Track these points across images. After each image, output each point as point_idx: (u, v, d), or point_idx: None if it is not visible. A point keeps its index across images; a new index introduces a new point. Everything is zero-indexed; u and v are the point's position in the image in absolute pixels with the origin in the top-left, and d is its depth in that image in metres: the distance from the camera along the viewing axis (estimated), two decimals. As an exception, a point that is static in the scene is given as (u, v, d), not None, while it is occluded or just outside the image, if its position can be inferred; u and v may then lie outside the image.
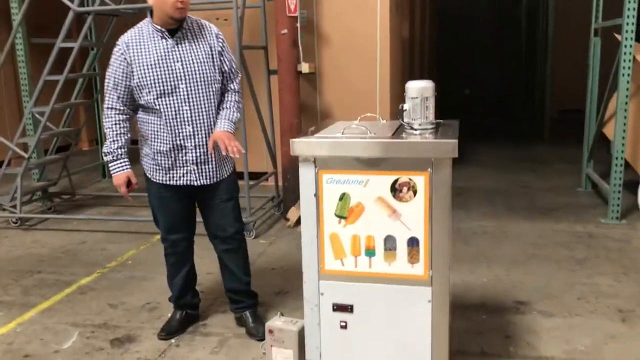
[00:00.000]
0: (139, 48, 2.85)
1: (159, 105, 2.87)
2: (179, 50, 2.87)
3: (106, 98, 2.91)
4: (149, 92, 2.85)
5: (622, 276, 3.90)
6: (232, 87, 3.05)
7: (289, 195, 5.20)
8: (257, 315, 3.26)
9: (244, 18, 4.80)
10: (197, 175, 2.98)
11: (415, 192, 2.35)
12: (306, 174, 2.44)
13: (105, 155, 2.96)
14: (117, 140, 2.92)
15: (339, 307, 2.51)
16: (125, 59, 2.84)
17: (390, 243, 2.42)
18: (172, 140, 2.90)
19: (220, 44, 2.98)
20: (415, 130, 2.50)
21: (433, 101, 2.53)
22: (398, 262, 2.42)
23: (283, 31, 5.08)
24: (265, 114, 5.29)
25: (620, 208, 4.97)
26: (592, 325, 3.25)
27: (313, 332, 2.57)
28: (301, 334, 2.85)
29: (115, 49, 2.88)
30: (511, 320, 3.34)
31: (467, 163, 7.45)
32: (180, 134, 2.90)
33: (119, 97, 2.89)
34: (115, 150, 2.93)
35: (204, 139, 2.93)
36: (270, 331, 2.88)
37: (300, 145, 2.41)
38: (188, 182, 2.99)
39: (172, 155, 2.93)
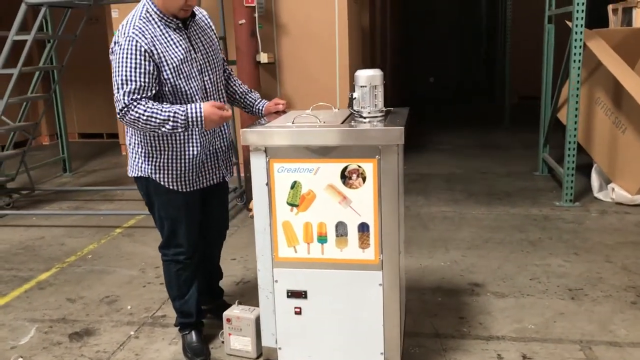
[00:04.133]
0: (164, 42, 2.53)
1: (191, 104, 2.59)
2: (194, 41, 2.65)
3: (126, 96, 2.46)
4: (183, 91, 2.58)
5: (573, 256, 4.02)
6: (229, 71, 3.00)
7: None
8: None
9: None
10: (224, 169, 2.88)
11: (364, 179, 2.40)
12: (257, 163, 2.46)
13: (174, 115, 2.48)
14: (167, 106, 2.51)
15: (293, 294, 2.55)
16: (151, 56, 2.48)
17: (341, 229, 2.46)
18: (204, 138, 2.69)
19: (214, 29, 2.83)
20: (365, 118, 2.54)
21: (382, 89, 2.58)
22: (349, 247, 2.47)
23: (241, 21, 5.08)
24: (226, 105, 5.28)
25: (573, 191, 5.11)
26: (543, 305, 3.35)
27: (268, 319, 2.61)
28: (258, 321, 2.89)
29: (130, 44, 2.45)
30: (465, 302, 3.43)
31: (429, 150, 7.57)
32: (207, 132, 2.70)
33: (143, 98, 2.49)
34: (177, 109, 2.50)
35: (225, 130, 2.83)
36: (228, 320, 2.91)
37: (251, 135, 2.43)
38: (220, 178, 2.85)
39: (204, 155, 2.73)
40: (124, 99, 2.48)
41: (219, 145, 2.84)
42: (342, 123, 2.50)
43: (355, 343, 2.55)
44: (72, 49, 6.11)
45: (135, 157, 2.74)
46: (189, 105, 2.54)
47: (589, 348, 2.89)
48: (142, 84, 2.48)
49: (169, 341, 3.10)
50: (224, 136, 2.86)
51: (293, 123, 2.49)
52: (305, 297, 2.54)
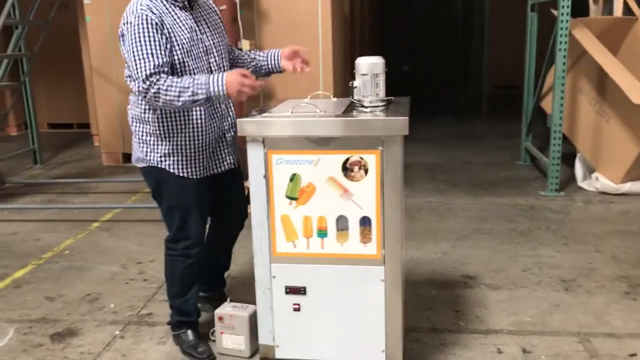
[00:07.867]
0: (172, 20, 2.43)
1: None
2: (199, 22, 2.56)
3: (147, 70, 2.33)
4: (190, 69, 2.48)
5: (563, 246, 4.00)
6: (236, 51, 2.88)
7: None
8: None
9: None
10: (234, 156, 2.76)
11: (366, 171, 2.31)
12: (255, 155, 2.35)
13: (194, 83, 2.33)
14: (187, 77, 2.39)
15: (291, 290, 2.45)
16: (162, 31, 2.38)
17: (342, 223, 2.36)
18: (213, 124, 2.60)
19: (219, 13, 2.73)
20: (366, 107, 2.45)
21: (383, 78, 2.48)
22: (350, 242, 2.38)
23: (222, 7, 4.89)
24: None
25: (558, 180, 5.11)
26: (537, 296, 3.32)
27: (265, 316, 2.51)
28: (252, 319, 2.79)
29: (142, 18, 2.35)
30: (460, 295, 3.37)
31: (409, 139, 7.47)
32: (216, 115, 2.62)
33: (164, 65, 2.38)
34: (200, 76, 2.38)
35: (233, 115, 2.71)
36: (220, 318, 2.80)
37: (248, 125, 2.31)
38: (231, 164, 2.74)
39: (214, 141, 2.64)
40: (145, 73, 2.34)
41: (227, 128, 2.70)
42: (343, 113, 2.40)
43: (356, 340, 2.46)
44: (43, 36, 5.88)
45: (142, 146, 2.61)
46: (211, 75, 2.39)
47: (587, 340, 2.86)
48: (160, 56, 2.36)
49: (157, 340, 2.97)
50: (232, 121, 2.72)
51: (292, 112, 2.38)
52: (305, 293, 2.44)
